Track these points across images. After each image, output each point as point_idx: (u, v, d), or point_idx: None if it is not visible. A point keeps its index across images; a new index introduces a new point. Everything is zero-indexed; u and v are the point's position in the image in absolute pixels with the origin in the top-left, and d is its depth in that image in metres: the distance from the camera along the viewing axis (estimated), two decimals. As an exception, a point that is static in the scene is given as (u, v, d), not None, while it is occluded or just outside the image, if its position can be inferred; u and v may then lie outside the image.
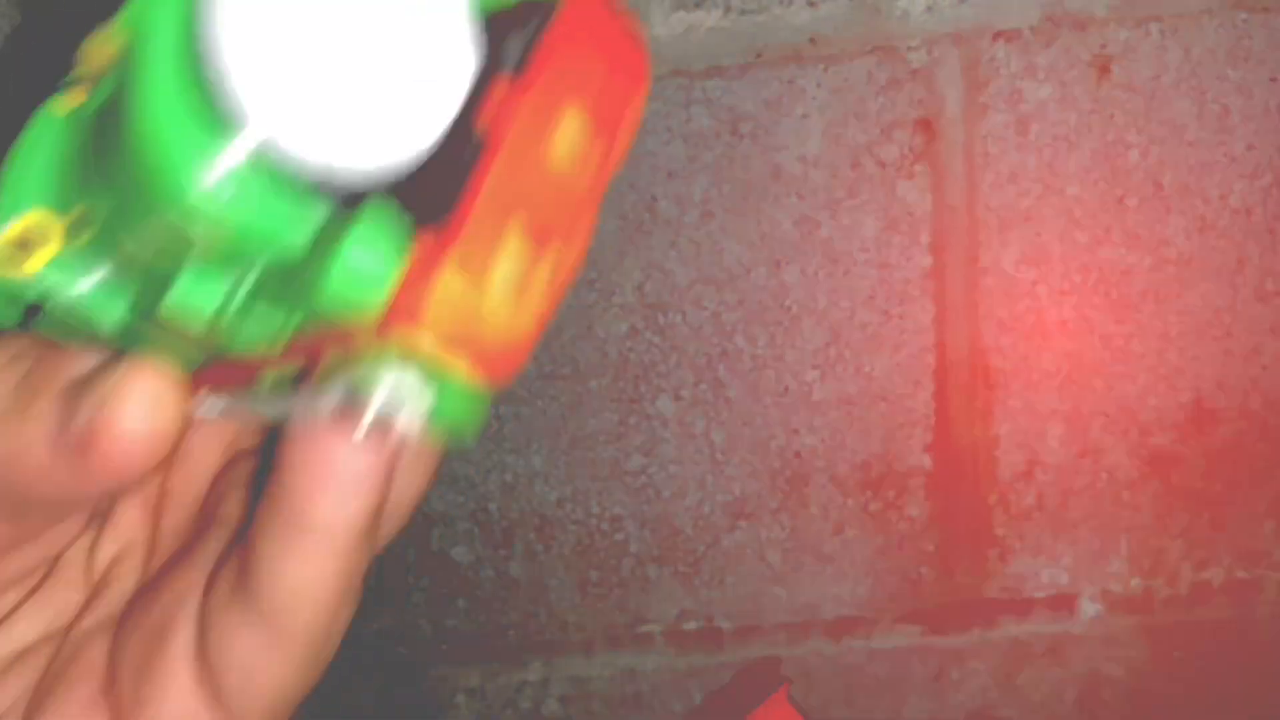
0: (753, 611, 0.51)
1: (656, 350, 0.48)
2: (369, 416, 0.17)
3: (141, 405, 0.19)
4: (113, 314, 0.19)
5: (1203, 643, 0.52)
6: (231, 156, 0.16)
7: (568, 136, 0.17)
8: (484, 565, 0.50)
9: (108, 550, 0.25)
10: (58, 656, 0.24)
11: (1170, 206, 0.46)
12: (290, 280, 0.17)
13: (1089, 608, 0.52)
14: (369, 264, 0.16)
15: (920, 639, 0.52)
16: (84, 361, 0.20)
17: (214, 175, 0.16)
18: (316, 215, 0.16)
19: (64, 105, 0.19)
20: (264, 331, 0.18)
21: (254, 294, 0.18)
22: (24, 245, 0.19)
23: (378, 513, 0.20)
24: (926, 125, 0.45)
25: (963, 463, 0.49)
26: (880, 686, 0.53)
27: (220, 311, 0.18)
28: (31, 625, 0.24)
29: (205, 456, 0.25)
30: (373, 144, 0.16)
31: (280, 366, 0.20)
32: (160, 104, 0.16)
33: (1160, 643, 0.52)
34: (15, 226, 0.19)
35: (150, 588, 0.24)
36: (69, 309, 0.19)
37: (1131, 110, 0.45)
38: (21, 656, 0.23)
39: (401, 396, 0.17)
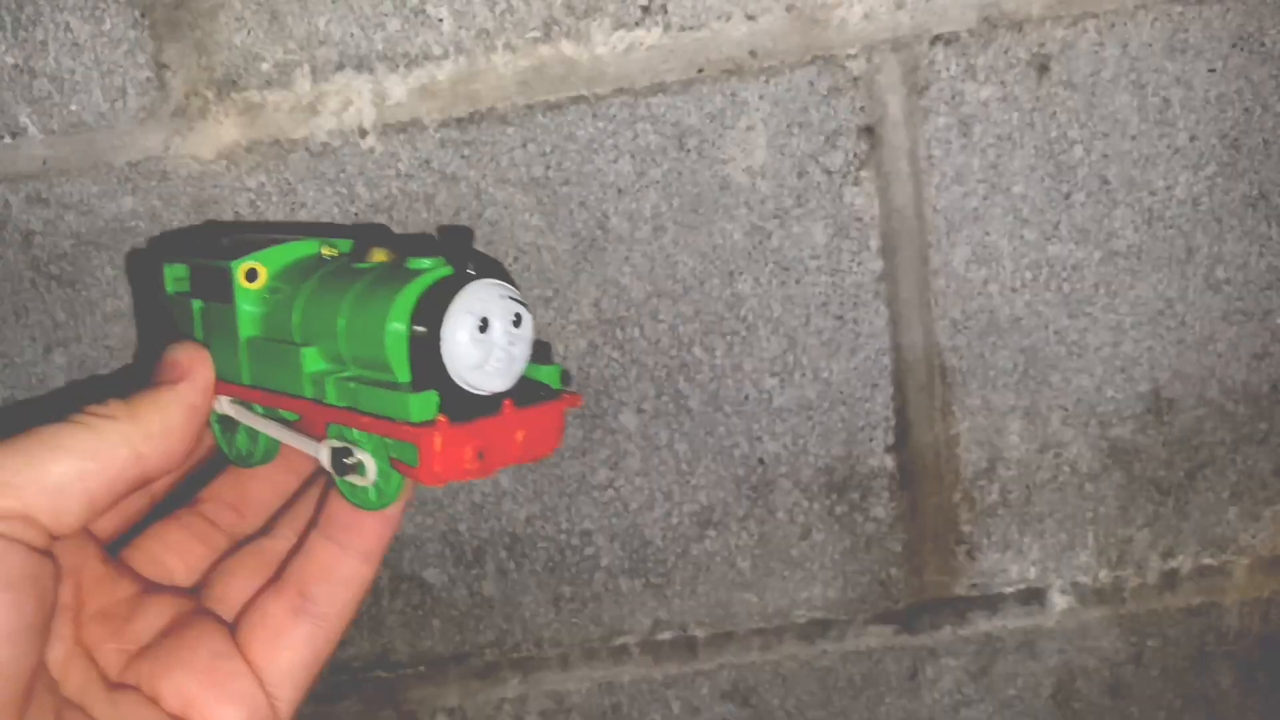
0: (725, 619, 0.52)
1: (616, 365, 0.48)
2: (345, 465, 0.35)
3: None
4: (247, 331, 0.37)
5: (1174, 630, 0.53)
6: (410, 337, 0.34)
7: (518, 438, 0.35)
8: (457, 585, 0.51)
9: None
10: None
11: (1117, 200, 0.47)
12: (374, 390, 0.33)
13: (1059, 600, 0.52)
14: (428, 406, 0.33)
15: (893, 639, 0.52)
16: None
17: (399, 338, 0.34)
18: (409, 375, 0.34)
19: (317, 251, 0.38)
20: (325, 395, 0.35)
21: (344, 379, 0.35)
22: (253, 275, 0.37)
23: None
24: (870, 131, 0.45)
25: (925, 462, 0.50)
26: (856, 688, 0.53)
27: (319, 372, 0.35)
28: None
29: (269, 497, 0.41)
30: (473, 380, 0.34)
31: (271, 407, 0.37)
32: (407, 299, 0.34)
33: (1132, 632, 0.53)
34: (255, 265, 0.37)
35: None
36: (230, 314, 0.37)
37: (1073, 107, 0.45)
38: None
39: (364, 466, 0.34)
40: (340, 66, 0.44)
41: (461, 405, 0.33)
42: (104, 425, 0.33)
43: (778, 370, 0.48)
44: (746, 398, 0.49)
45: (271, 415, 0.37)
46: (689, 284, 0.47)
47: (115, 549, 0.38)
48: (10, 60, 0.43)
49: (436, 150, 0.45)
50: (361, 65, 0.44)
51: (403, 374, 0.33)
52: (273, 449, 0.39)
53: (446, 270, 0.33)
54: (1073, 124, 0.46)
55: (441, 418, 0.32)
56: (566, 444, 0.49)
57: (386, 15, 0.43)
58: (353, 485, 0.35)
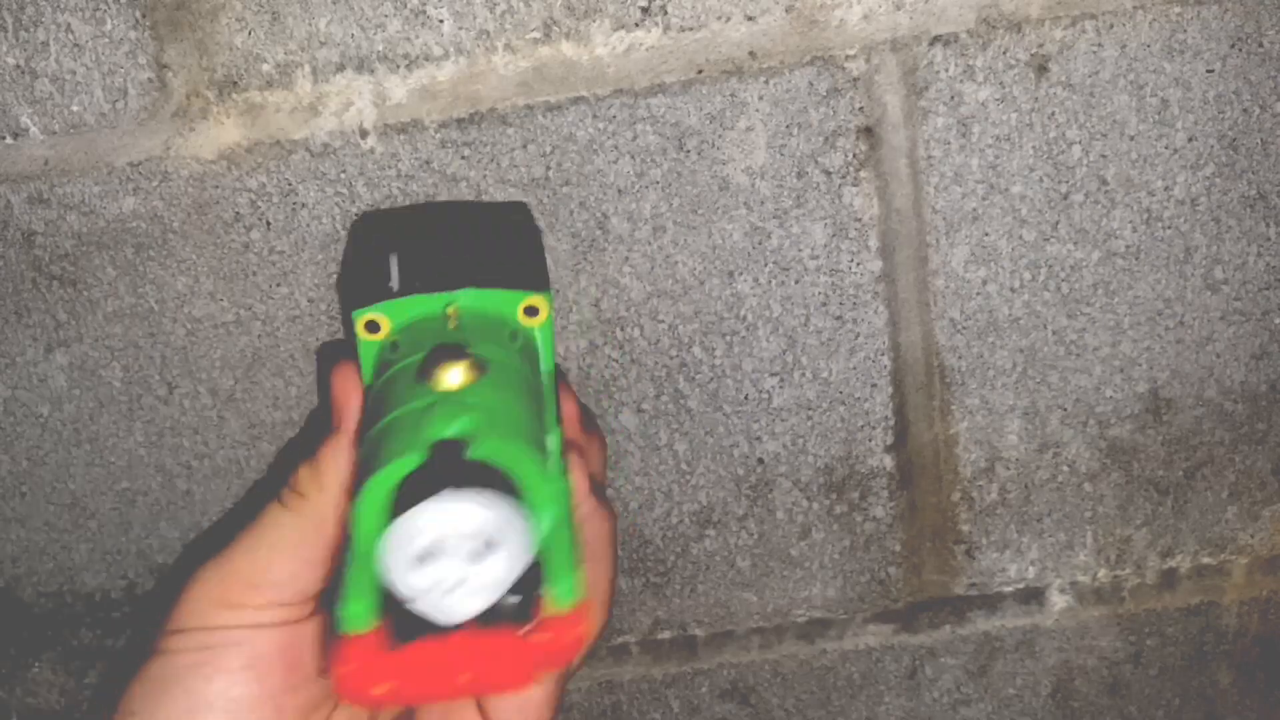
0: (725, 618, 0.52)
1: (616, 365, 0.48)
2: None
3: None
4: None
5: (1172, 629, 0.53)
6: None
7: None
8: (457, 585, 0.51)
9: None
10: None
11: (1115, 200, 0.47)
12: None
13: (1058, 600, 0.52)
14: (360, 615, 0.31)
15: (892, 638, 0.53)
16: None
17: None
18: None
19: (442, 317, 0.36)
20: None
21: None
22: (371, 326, 0.36)
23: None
24: (869, 132, 0.45)
25: (924, 462, 0.50)
26: (855, 687, 0.53)
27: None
28: None
29: None
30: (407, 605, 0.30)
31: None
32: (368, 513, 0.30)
33: (1130, 631, 0.53)
34: (380, 317, 0.36)
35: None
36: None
37: (1071, 108, 0.46)
38: None
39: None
40: (341, 67, 0.44)
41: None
42: (302, 506, 0.35)
43: (777, 370, 0.48)
44: (746, 397, 0.49)
45: None
46: (689, 284, 0.47)
47: None
48: (11, 61, 0.43)
49: (437, 151, 0.45)
50: (362, 66, 0.44)
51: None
52: None
53: (417, 460, 0.29)
54: (1071, 124, 0.46)
55: (359, 635, 0.29)
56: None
57: (387, 16, 0.43)
58: None
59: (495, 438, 0.30)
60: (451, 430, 0.30)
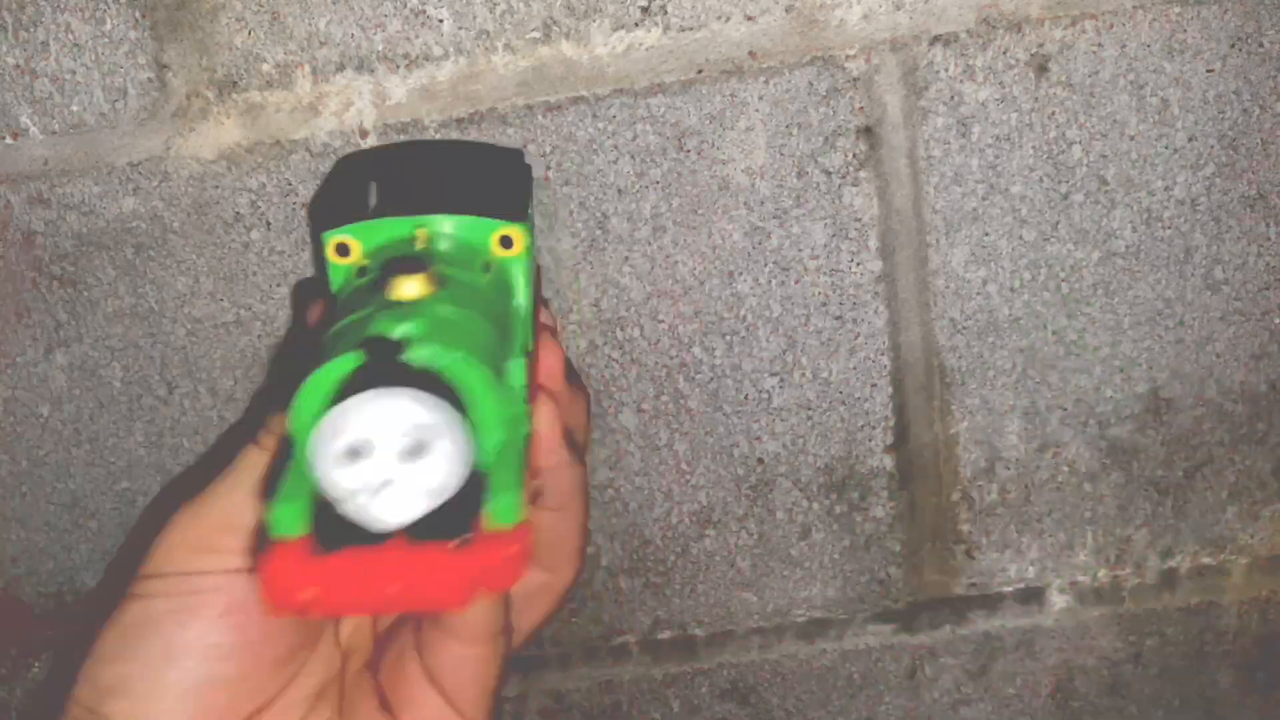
0: (725, 618, 0.52)
1: (616, 365, 0.48)
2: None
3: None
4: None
5: (1172, 629, 0.53)
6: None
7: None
8: (457, 585, 0.51)
9: (346, 628, 0.38)
10: (341, 693, 0.37)
11: (1115, 200, 0.47)
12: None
13: (1058, 600, 0.52)
14: (289, 519, 0.28)
15: (892, 638, 0.53)
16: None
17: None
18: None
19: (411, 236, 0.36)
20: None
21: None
22: (342, 249, 0.36)
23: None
24: (869, 132, 0.45)
25: (924, 462, 0.50)
26: (855, 687, 0.53)
27: None
28: (315, 677, 0.36)
29: None
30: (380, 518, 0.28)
31: None
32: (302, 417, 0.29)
33: (1130, 631, 0.53)
34: (348, 239, 0.35)
35: (384, 639, 0.37)
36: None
37: (1071, 107, 0.45)
38: (319, 694, 0.36)
39: None
40: (341, 67, 0.44)
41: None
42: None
43: (777, 370, 0.48)
44: (746, 397, 0.49)
45: None
46: (689, 284, 0.47)
47: None
48: (11, 61, 0.43)
49: (437, 151, 0.45)
50: (362, 66, 0.44)
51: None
52: None
53: (356, 360, 0.28)
54: (1071, 124, 0.46)
55: (288, 540, 0.27)
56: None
57: (387, 16, 0.43)
58: None
59: (440, 345, 0.29)
60: (396, 331, 0.29)
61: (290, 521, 0.28)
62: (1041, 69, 0.45)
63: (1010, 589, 0.52)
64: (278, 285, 0.46)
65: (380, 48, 0.44)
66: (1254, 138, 0.46)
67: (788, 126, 0.45)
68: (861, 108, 0.45)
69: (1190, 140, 0.46)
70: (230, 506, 0.34)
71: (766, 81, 0.45)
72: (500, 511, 0.28)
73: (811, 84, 0.45)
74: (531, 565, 0.34)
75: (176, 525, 0.34)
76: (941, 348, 0.48)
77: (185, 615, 0.33)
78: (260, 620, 0.33)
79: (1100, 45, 0.45)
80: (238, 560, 0.33)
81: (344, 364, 0.29)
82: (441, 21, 0.44)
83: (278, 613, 0.28)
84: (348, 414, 0.27)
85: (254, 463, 0.34)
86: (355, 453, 0.27)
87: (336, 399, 0.28)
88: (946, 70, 0.45)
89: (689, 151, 0.45)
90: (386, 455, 0.27)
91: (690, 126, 0.45)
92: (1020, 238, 0.47)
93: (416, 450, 0.27)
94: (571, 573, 0.39)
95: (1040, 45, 0.45)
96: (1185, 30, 0.45)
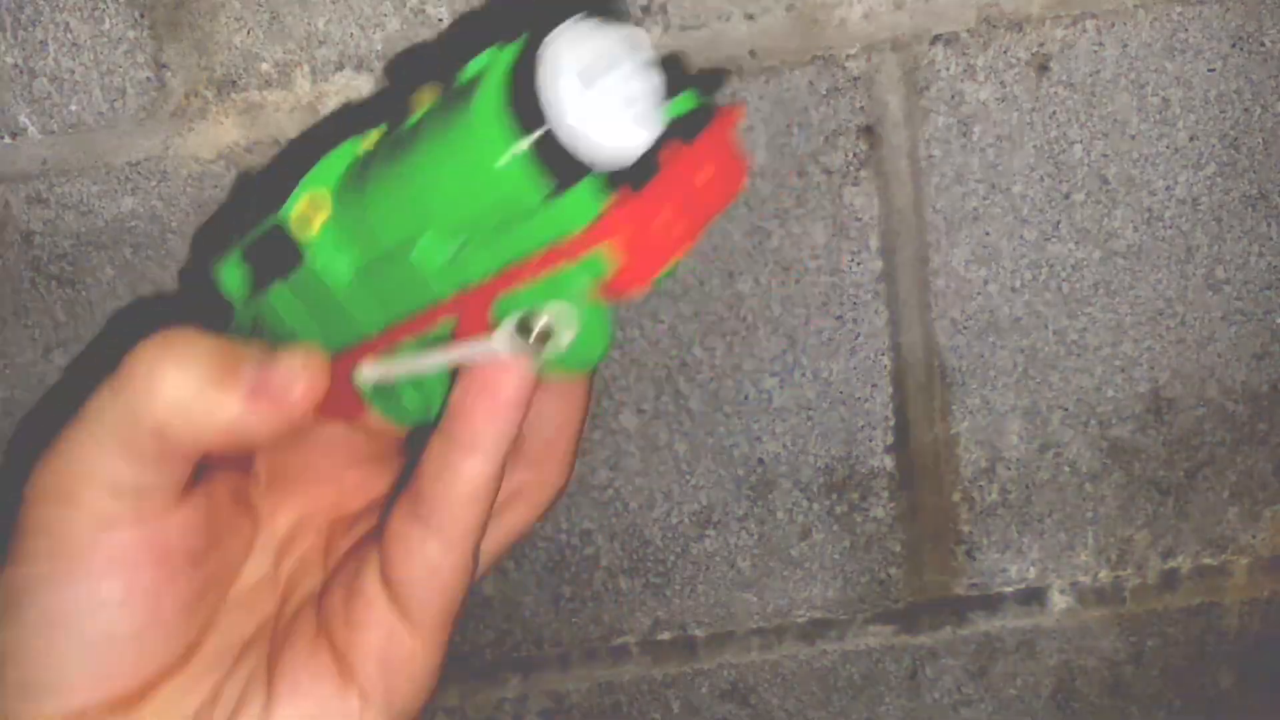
0: (725, 618, 0.52)
1: (616, 365, 0.48)
2: (535, 335, 0.26)
3: (306, 369, 0.29)
4: (342, 277, 0.29)
5: (1174, 630, 0.53)
6: (522, 146, 0.24)
7: (699, 182, 0.26)
8: (457, 585, 0.51)
9: (287, 565, 0.34)
10: (275, 632, 0.33)
11: (1116, 199, 0.47)
12: (508, 231, 0.26)
13: (1059, 600, 0.52)
14: (586, 201, 0.25)
15: (892, 638, 0.52)
16: (251, 349, 0.30)
17: (509, 157, 0.25)
18: (549, 187, 0.25)
19: (359, 144, 0.29)
20: (467, 276, 0.27)
21: (472, 245, 0.26)
22: (312, 211, 0.29)
23: (517, 431, 0.29)
24: (870, 131, 0.45)
25: (925, 462, 0.50)
26: (855, 688, 0.53)
27: (449, 262, 0.27)
28: (242, 624, 0.33)
29: (365, 489, 0.35)
30: (605, 151, 0.25)
31: (419, 335, 0.29)
32: (488, 104, 0.25)
33: (1132, 632, 0.53)
34: (306, 198, 0.29)
35: (339, 564, 0.33)
36: (313, 273, 0.30)
37: (1072, 107, 0.45)
38: (248, 642, 0.33)
39: (558, 321, 0.26)
40: (340, 66, 0.44)
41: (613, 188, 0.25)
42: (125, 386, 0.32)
43: (777, 370, 0.48)
44: (746, 398, 0.49)
45: (424, 345, 0.30)
46: (689, 284, 0.47)
47: None
48: (10, 60, 0.43)
49: (436, 150, 0.45)
50: (361, 65, 0.44)
51: (530, 194, 0.25)
52: (449, 386, 0.30)
53: (509, 54, 0.25)
54: (1072, 124, 0.46)
55: (610, 198, 0.25)
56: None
57: (386, 15, 0.43)
58: (558, 357, 0.27)
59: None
60: (485, 57, 0.26)
61: (585, 203, 0.25)
62: (1042, 68, 0.45)
63: (1011, 589, 0.52)
64: (277, 285, 0.46)
65: (380, 47, 0.44)
66: (1255, 137, 0.46)
67: (788, 126, 0.45)
68: (862, 107, 0.45)
69: (1191, 139, 0.46)
70: (87, 454, 0.30)
71: (767, 81, 0.45)
72: (688, 100, 0.27)
73: (812, 83, 0.45)
74: (517, 460, 0.33)
75: (35, 480, 0.31)
76: (942, 348, 0.48)
77: (61, 577, 0.30)
78: (153, 568, 0.31)
79: (1101, 44, 0.45)
80: (110, 509, 0.30)
81: (499, 71, 0.25)
82: (441, 20, 0.43)
83: (657, 265, 0.25)
84: (561, 48, 0.25)
85: (102, 405, 0.31)
86: (591, 77, 0.25)
87: (514, 109, 0.25)
88: (947, 69, 0.45)
89: (689, 151, 0.45)
90: (615, 60, 0.25)
91: (690, 126, 0.45)
92: (1021, 237, 0.47)
93: (628, 41, 0.25)
94: (560, 479, 0.35)
95: (1041, 44, 0.45)
96: (1186, 29, 0.45)
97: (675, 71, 0.27)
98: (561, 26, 0.25)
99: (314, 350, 0.30)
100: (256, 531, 0.35)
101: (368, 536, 0.33)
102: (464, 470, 0.29)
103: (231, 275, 0.33)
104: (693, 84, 0.27)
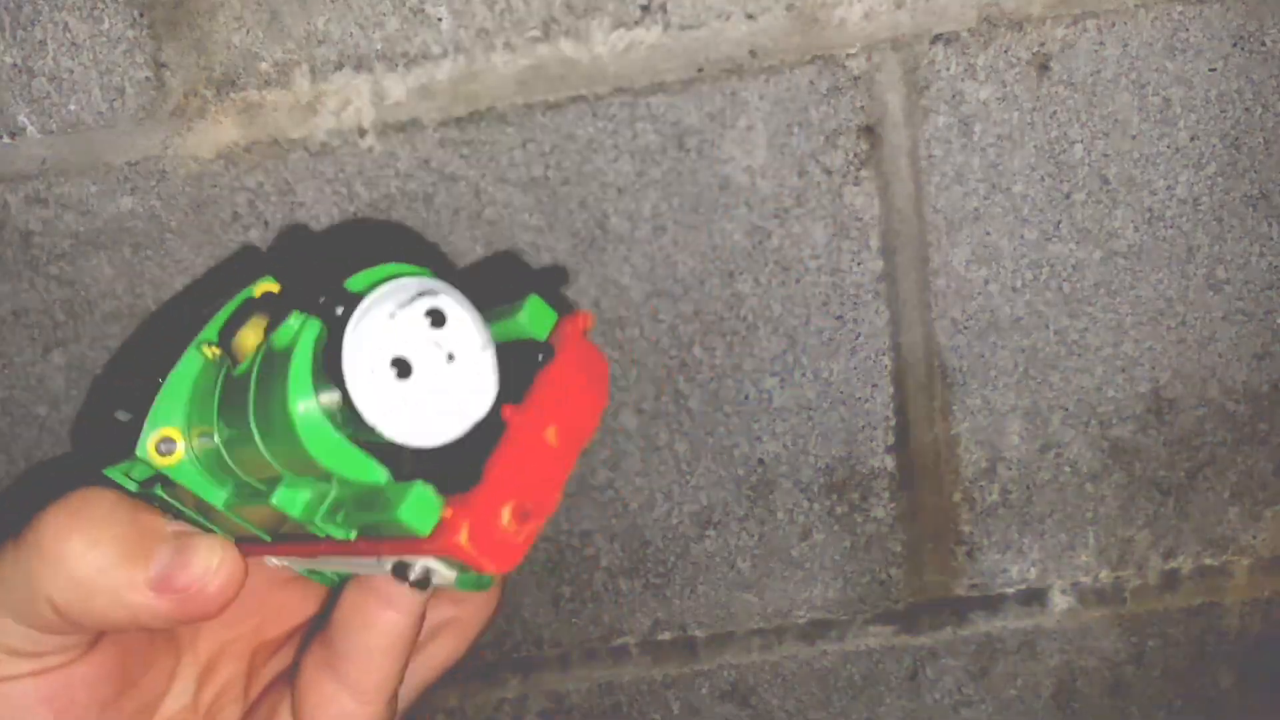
0: (725, 619, 0.52)
1: (616, 365, 0.48)
2: (412, 579, 0.26)
3: (224, 565, 0.28)
4: (219, 498, 0.30)
5: (1174, 630, 0.53)
6: (338, 429, 0.26)
7: (550, 439, 0.26)
8: (456, 586, 0.51)
9: (209, 694, 0.34)
10: None
11: (1117, 199, 0.47)
12: (365, 503, 0.26)
13: (1059, 601, 0.52)
14: (424, 510, 0.24)
15: (893, 639, 0.52)
16: (167, 525, 0.29)
17: (327, 440, 0.26)
18: (383, 472, 0.26)
19: (203, 356, 0.30)
20: (341, 529, 0.27)
21: (335, 505, 0.27)
22: (166, 447, 0.30)
23: (418, 624, 0.29)
24: (870, 131, 0.45)
25: (925, 462, 0.50)
26: (856, 688, 0.53)
27: (307, 511, 0.27)
28: None
29: (288, 614, 0.35)
30: (427, 435, 0.25)
31: (332, 553, 0.28)
32: (299, 388, 0.25)
33: (1132, 632, 0.53)
34: (161, 432, 0.29)
35: (256, 701, 0.33)
36: (190, 491, 0.30)
37: (1073, 106, 0.45)
38: None
39: (436, 569, 0.26)
40: (339, 66, 0.44)
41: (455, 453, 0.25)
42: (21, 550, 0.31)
43: (778, 370, 0.48)
44: (746, 398, 0.49)
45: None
46: (689, 284, 0.47)
47: None
48: (9, 60, 0.43)
49: (436, 150, 0.45)
50: (360, 65, 0.44)
51: (363, 472, 0.26)
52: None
53: (313, 331, 0.25)
54: (1073, 123, 0.46)
55: (446, 511, 0.24)
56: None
57: (385, 15, 0.43)
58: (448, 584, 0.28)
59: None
60: (293, 321, 0.27)
61: (422, 511, 0.24)
62: (1043, 68, 0.45)
63: (1012, 590, 0.52)
64: (276, 285, 0.46)
65: (379, 46, 0.44)
66: (1256, 137, 0.46)
67: (788, 125, 0.45)
68: (863, 106, 0.45)
69: (1192, 139, 0.46)
70: None
71: (767, 80, 0.44)
72: (536, 318, 0.28)
73: (812, 83, 0.45)
74: (442, 596, 0.32)
75: None
76: (943, 347, 0.48)
77: None
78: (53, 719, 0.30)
79: (1102, 44, 0.45)
80: (3, 664, 0.29)
81: (307, 340, 0.26)
82: (440, 20, 0.43)
83: (505, 565, 0.24)
84: (364, 339, 0.24)
85: (2, 571, 0.30)
86: (404, 370, 0.25)
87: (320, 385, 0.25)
88: (948, 69, 0.45)
89: (689, 151, 0.45)
90: (430, 354, 0.25)
91: (690, 125, 0.45)
92: (1022, 237, 0.47)
93: (439, 318, 0.25)
94: (488, 610, 0.34)
95: (1042, 44, 0.45)
96: (1187, 29, 0.45)
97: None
98: (370, 304, 0.25)
99: (229, 545, 0.29)
100: (179, 660, 0.34)
101: (285, 673, 0.33)
102: (379, 623, 0.29)
103: (120, 477, 0.32)
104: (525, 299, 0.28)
